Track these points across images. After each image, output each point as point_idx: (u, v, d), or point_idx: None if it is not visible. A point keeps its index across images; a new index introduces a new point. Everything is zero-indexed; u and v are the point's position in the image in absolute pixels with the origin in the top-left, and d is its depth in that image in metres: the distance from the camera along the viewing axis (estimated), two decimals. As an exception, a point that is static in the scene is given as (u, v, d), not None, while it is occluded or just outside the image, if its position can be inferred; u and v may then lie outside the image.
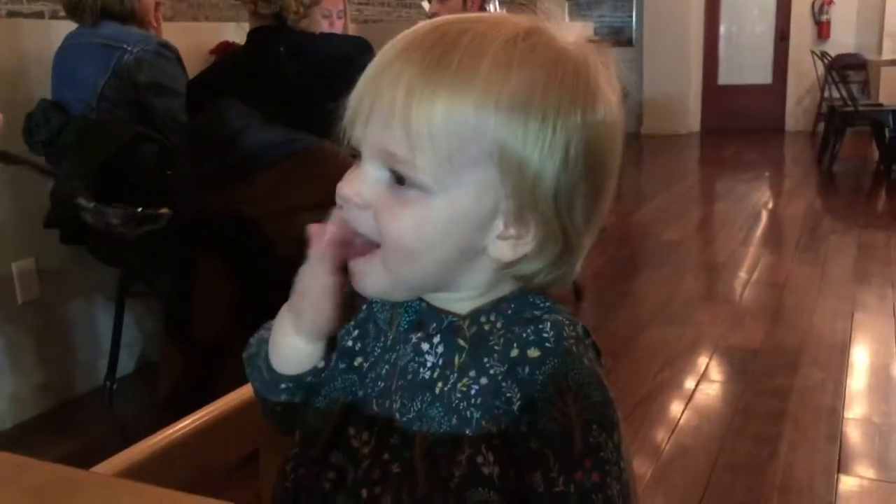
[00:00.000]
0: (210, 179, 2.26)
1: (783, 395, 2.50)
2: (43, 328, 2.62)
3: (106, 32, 2.43)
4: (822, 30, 8.60)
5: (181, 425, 0.79)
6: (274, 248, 2.08)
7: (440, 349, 0.63)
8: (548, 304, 0.64)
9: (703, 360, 2.82)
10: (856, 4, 8.47)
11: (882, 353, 2.85)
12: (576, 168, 0.59)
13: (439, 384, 0.62)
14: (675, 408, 2.46)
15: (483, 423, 0.60)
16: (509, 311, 0.63)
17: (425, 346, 0.64)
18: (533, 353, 0.60)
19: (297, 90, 2.19)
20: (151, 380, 2.70)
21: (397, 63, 0.58)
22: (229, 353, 2.25)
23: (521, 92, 0.57)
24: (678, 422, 2.37)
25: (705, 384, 2.63)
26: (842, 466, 2.09)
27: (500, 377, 0.60)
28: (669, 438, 2.26)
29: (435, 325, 0.64)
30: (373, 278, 0.61)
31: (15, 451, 0.65)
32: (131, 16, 2.47)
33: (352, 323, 0.69)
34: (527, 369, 0.60)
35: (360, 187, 0.59)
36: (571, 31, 0.61)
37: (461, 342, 0.63)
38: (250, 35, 2.28)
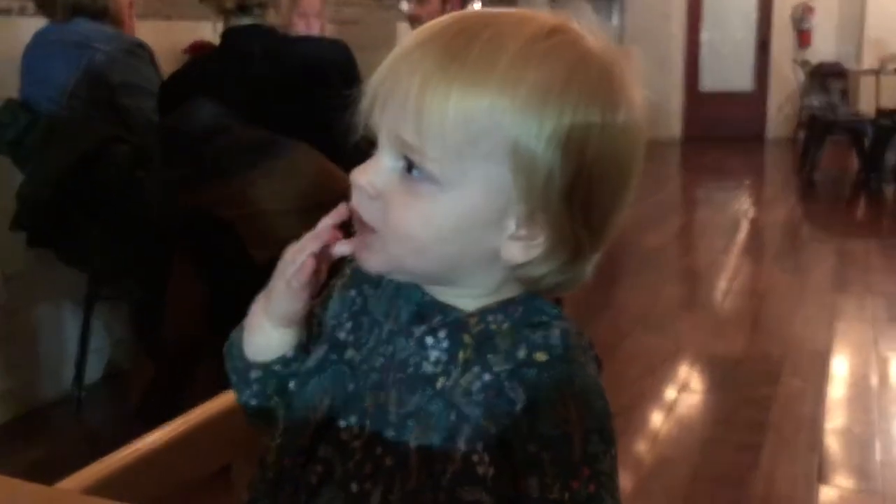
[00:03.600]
0: (182, 181, 2.22)
1: (764, 405, 2.50)
2: (8, 334, 2.56)
3: (77, 29, 2.38)
4: (802, 38, 8.68)
5: (151, 439, 0.77)
6: (247, 252, 2.04)
7: (444, 344, 0.63)
8: (556, 310, 0.64)
9: (683, 370, 2.82)
10: (836, 14, 8.56)
11: (861, 362, 2.87)
12: (591, 171, 0.58)
13: (441, 379, 0.62)
14: (656, 418, 2.45)
15: (482, 421, 0.59)
16: (517, 314, 0.63)
17: (430, 340, 0.63)
18: (540, 356, 0.60)
19: (271, 92, 2.15)
20: (120, 387, 2.66)
21: (417, 52, 0.58)
22: (201, 359, 2.21)
23: (539, 89, 0.57)
24: (659, 432, 2.36)
25: (686, 393, 2.63)
26: (822, 476, 2.09)
27: (503, 376, 0.60)
28: (650, 449, 2.26)
29: (440, 318, 0.63)
30: (374, 259, 0.62)
31: (-23, 462, 0.62)
32: (104, 13, 2.42)
33: (345, 315, 0.69)
34: (533, 372, 0.60)
35: (374, 177, 0.60)
36: (600, 34, 0.61)
37: (467, 338, 0.62)
38: (224, 35, 2.24)
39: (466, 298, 0.63)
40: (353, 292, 0.70)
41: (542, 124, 0.56)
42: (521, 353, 0.60)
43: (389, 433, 0.62)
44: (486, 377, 0.60)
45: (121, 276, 2.54)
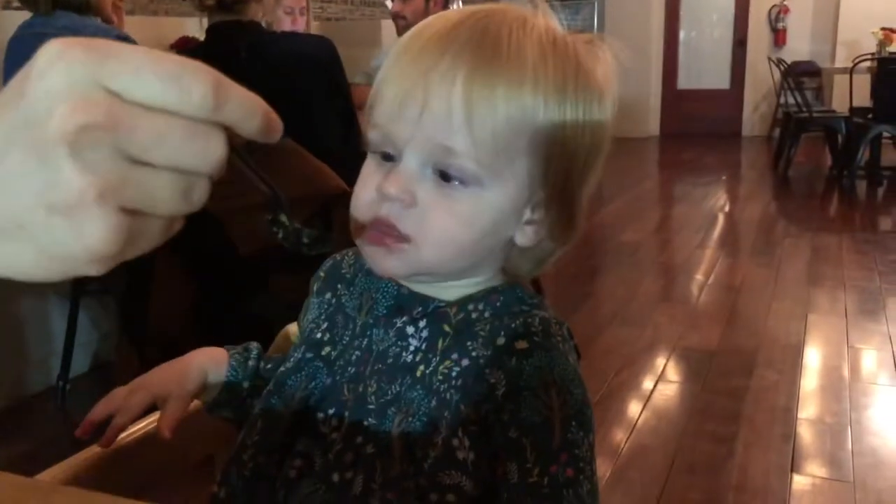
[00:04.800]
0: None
1: (739, 396, 2.54)
2: (-6, 326, 2.55)
3: (62, 23, 2.37)
4: (778, 37, 8.76)
5: (132, 430, 0.77)
6: (233, 245, 2.06)
7: (424, 333, 0.64)
8: (536, 299, 0.65)
9: (660, 361, 2.85)
10: (811, 13, 8.64)
11: (834, 354, 2.91)
12: (588, 155, 0.62)
13: (421, 367, 0.63)
14: (634, 408, 2.48)
15: (462, 406, 0.60)
16: (498, 303, 0.64)
17: (410, 330, 0.64)
18: (521, 344, 0.61)
19: (256, 88, 2.16)
20: (106, 379, 2.65)
21: (445, 60, 0.57)
22: (185, 352, 2.22)
23: (560, 81, 0.59)
24: (636, 422, 2.39)
25: (663, 385, 2.66)
26: (795, 466, 2.12)
27: (482, 361, 0.61)
28: (628, 438, 2.28)
29: (420, 309, 0.64)
30: (395, 265, 0.62)
31: (-38, 453, 0.63)
32: (87, 6, 2.41)
33: (321, 317, 0.70)
34: (513, 359, 0.61)
35: (408, 185, 0.59)
36: (559, 24, 0.64)
37: (446, 328, 0.63)
38: (209, 31, 2.24)
39: (452, 289, 0.65)
40: (328, 295, 0.71)
41: (566, 113, 0.59)
42: (501, 341, 0.62)
43: (369, 421, 0.63)
44: (465, 362, 0.61)
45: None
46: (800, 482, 2.05)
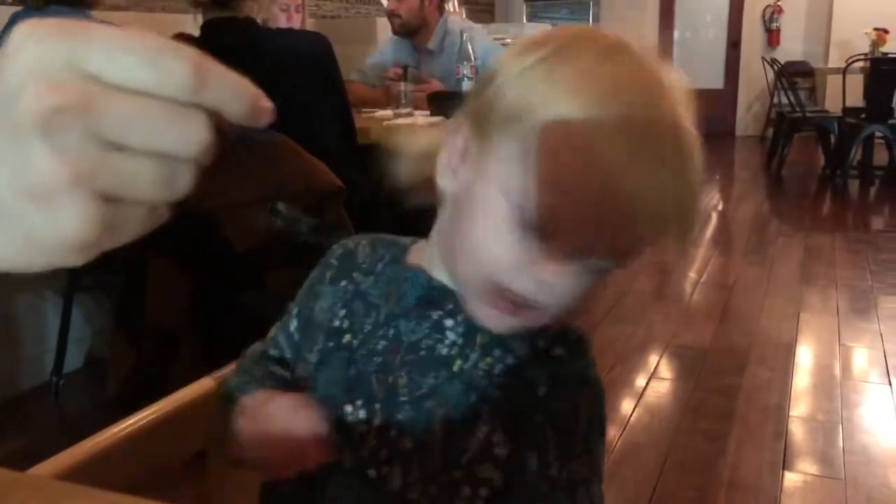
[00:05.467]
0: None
1: (731, 394, 2.55)
2: (-12, 323, 2.55)
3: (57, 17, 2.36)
4: (772, 37, 8.79)
5: (126, 424, 0.77)
6: (227, 241, 2.06)
7: (461, 328, 0.63)
8: None
9: (653, 359, 2.85)
10: (804, 14, 8.66)
11: (826, 352, 2.92)
12: None
13: (458, 361, 0.62)
14: (627, 405, 2.49)
15: (502, 402, 0.61)
16: None
17: (449, 323, 0.63)
18: (558, 350, 0.63)
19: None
20: (99, 376, 2.64)
21: (657, 180, 0.54)
22: (179, 349, 2.21)
23: (700, 179, 0.58)
24: (629, 419, 2.40)
25: (656, 382, 2.67)
26: (787, 463, 2.13)
27: (525, 360, 0.62)
28: (621, 435, 2.29)
29: (453, 305, 0.64)
30: (514, 325, 0.60)
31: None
32: (79, 0, 2.39)
33: (338, 304, 0.69)
34: (552, 363, 0.62)
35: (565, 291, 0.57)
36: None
37: None
38: (204, 27, 2.24)
39: None
40: (343, 283, 0.70)
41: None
42: (541, 343, 0.63)
43: (404, 415, 0.62)
44: (509, 360, 0.62)
45: (101, 265, 2.53)
46: (791, 479, 2.06)
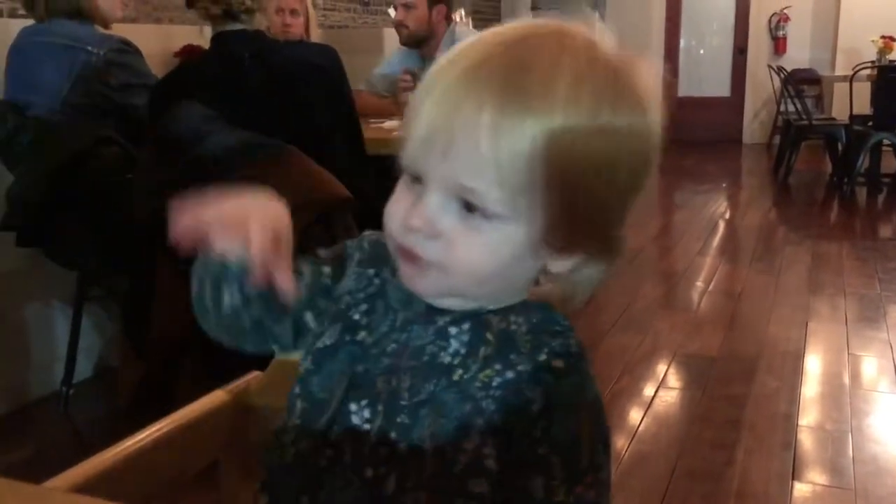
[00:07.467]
0: (171, 182, 2.23)
1: (740, 403, 2.54)
2: (-3, 332, 2.56)
3: (64, 31, 2.37)
4: (778, 45, 8.79)
5: (139, 437, 0.77)
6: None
7: (466, 337, 0.63)
8: (568, 322, 0.65)
9: (661, 368, 2.85)
10: (810, 21, 8.67)
11: (834, 361, 2.91)
12: (632, 175, 0.62)
13: (459, 371, 0.62)
14: (635, 414, 2.49)
15: (496, 416, 0.60)
16: (535, 320, 0.64)
17: (453, 331, 0.63)
18: (558, 363, 0.62)
19: (260, 96, 2.17)
20: (109, 385, 2.65)
21: (472, 96, 0.57)
22: (188, 357, 2.22)
23: (594, 106, 0.58)
24: (637, 428, 2.39)
25: (664, 391, 2.66)
26: (796, 473, 2.12)
27: (524, 376, 0.61)
28: (629, 445, 2.28)
29: (459, 312, 0.64)
30: (431, 287, 0.63)
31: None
32: (77, 13, 2.39)
33: (360, 295, 0.69)
34: (551, 378, 0.61)
35: (432, 217, 0.59)
36: (609, 38, 0.62)
37: (489, 335, 0.63)
38: (215, 39, 2.26)
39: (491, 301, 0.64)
40: (371, 272, 0.69)
41: (601, 141, 0.58)
42: (542, 357, 0.62)
43: (402, 419, 0.62)
44: (509, 374, 0.61)
45: (110, 275, 2.54)
46: (800, 489, 2.05)
